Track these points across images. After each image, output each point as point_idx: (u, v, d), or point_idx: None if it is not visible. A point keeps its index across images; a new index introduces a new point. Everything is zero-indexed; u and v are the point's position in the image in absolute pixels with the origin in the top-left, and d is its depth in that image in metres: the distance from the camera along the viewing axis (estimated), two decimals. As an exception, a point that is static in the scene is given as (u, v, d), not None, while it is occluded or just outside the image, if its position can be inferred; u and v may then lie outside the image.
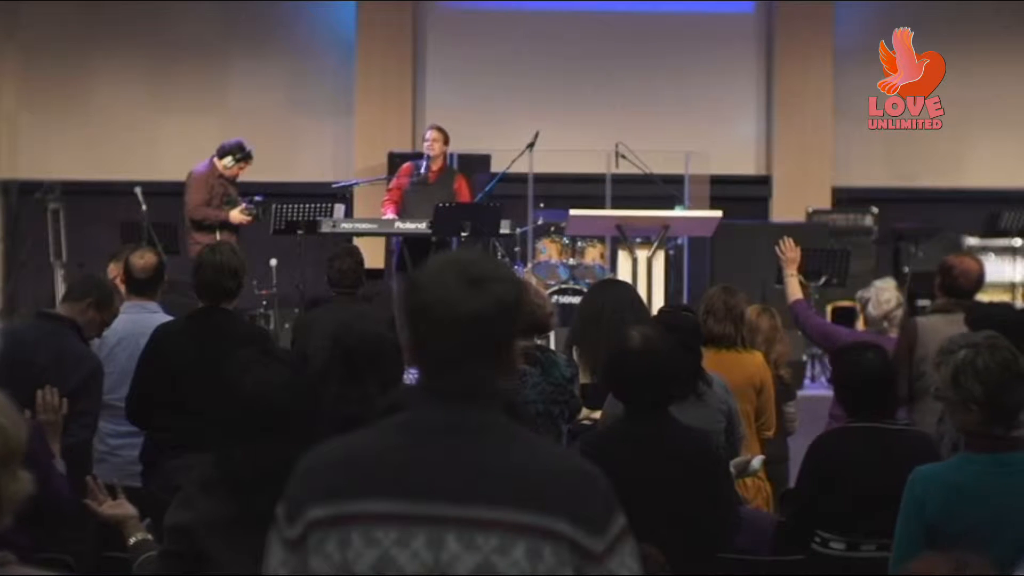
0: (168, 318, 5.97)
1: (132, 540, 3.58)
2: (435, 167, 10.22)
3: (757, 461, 5.11)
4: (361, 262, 7.61)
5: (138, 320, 5.88)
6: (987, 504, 3.60)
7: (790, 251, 7.14)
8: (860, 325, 8.34)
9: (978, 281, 6.19)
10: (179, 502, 3.19)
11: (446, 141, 10.24)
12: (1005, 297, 11.54)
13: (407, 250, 9.75)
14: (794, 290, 6.98)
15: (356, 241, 11.72)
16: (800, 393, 7.83)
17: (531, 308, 5.26)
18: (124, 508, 3.68)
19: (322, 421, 3.14)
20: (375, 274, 10.86)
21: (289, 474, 2.92)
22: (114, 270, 7.28)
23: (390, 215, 10.04)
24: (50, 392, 4.74)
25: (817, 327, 6.87)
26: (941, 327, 5.98)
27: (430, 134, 10.26)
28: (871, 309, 6.71)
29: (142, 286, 6.08)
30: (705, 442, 4.45)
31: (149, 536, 3.59)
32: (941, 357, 3.70)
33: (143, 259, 6.10)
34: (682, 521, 4.09)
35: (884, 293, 6.72)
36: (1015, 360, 3.64)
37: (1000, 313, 5.40)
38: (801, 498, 4.71)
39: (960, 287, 6.15)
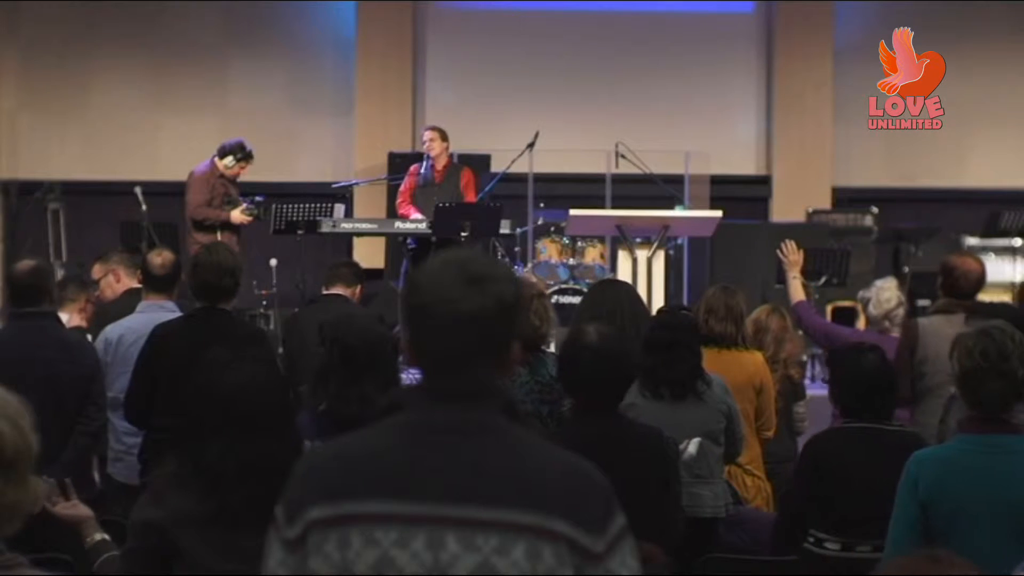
0: None
1: (90, 541, 3.55)
2: (439, 166, 10.21)
3: (693, 446, 5.02)
4: (361, 274, 7.58)
5: (155, 319, 5.77)
6: (977, 483, 3.63)
7: (792, 254, 7.23)
8: (861, 324, 8.36)
9: (979, 281, 6.20)
10: (148, 499, 3.19)
11: (444, 138, 10.23)
12: (1005, 297, 11.54)
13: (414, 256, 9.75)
14: (797, 292, 7.10)
15: (356, 241, 11.77)
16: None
17: (528, 326, 5.23)
18: (79, 509, 3.62)
19: (295, 421, 3.16)
20: (375, 274, 10.86)
21: (265, 471, 2.94)
22: (99, 271, 7.26)
23: (416, 215, 9.99)
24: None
25: (820, 327, 6.99)
26: (942, 327, 5.98)
27: (427, 134, 10.26)
28: (872, 309, 6.74)
29: (160, 284, 6.00)
30: (656, 441, 4.33)
31: (107, 537, 3.57)
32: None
33: (161, 256, 6.04)
34: (632, 520, 3.91)
35: (884, 292, 6.74)
36: (1000, 353, 3.66)
37: (1001, 313, 5.40)
38: (795, 497, 4.68)
39: (961, 288, 6.15)
